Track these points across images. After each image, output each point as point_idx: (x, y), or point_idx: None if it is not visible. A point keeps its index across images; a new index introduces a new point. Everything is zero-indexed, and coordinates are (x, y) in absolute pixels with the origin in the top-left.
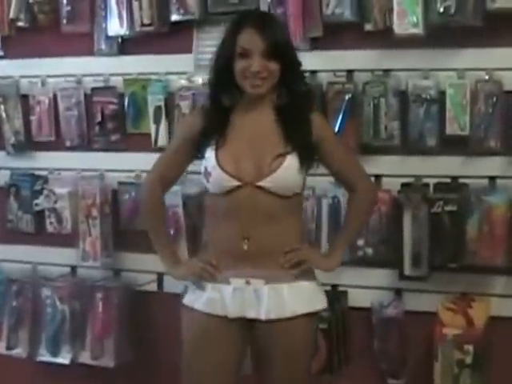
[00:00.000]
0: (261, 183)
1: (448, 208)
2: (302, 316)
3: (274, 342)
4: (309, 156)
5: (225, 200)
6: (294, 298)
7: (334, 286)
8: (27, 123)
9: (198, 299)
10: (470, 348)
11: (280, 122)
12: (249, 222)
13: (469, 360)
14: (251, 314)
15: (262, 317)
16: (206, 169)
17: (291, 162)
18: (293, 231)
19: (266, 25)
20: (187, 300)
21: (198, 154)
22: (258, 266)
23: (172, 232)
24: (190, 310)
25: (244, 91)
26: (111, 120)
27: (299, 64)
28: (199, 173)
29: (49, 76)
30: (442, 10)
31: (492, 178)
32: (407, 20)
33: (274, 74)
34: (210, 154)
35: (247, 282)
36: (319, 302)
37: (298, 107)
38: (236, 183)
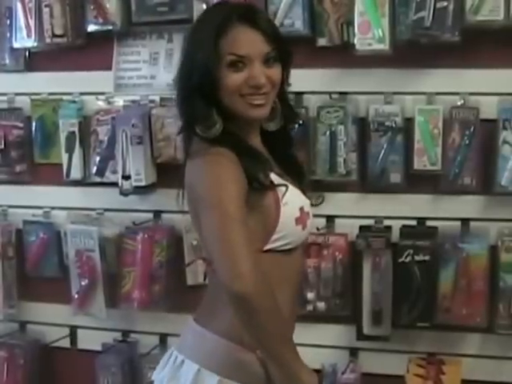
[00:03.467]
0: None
1: (419, 258)
2: None
3: None
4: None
5: (292, 258)
6: None
7: None
8: None
9: None
10: None
11: (274, 154)
12: (297, 286)
13: None
14: None
15: None
16: (302, 210)
17: None
18: None
19: (260, 16)
20: None
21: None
22: None
23: (86, 281)
24: None
25: (234, 115)
26: (16, 148)
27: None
28: (119, 210)
29: None
30: (413, 22)
31: (465, 221)
32: (371, 34)
33: (277, 85)
34: (292, 190)
35: None
36: None
37: (289, 135)
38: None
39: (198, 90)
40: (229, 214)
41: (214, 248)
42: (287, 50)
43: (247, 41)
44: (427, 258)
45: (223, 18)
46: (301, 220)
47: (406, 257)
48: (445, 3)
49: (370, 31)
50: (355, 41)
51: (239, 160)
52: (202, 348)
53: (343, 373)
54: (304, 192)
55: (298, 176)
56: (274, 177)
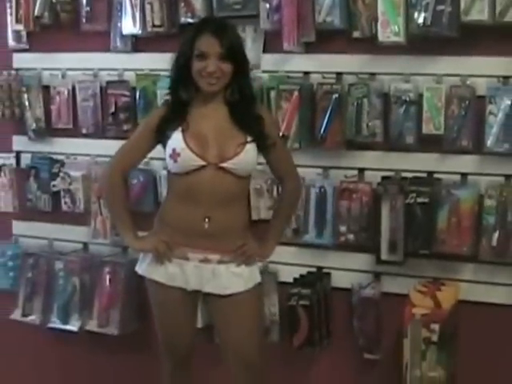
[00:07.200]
0: (225, 164)
1: (420, 200)
2: (250, 289)
3: (229, 312)
4: (264, 145)
5: (187, 180)
6: (245, 275)
7: (319, 268)
8: (47, 111)
9: (158, 271)
10: (436, 327)
11: (234, 116)
12: (210, 202)
13: (435, 338)
14: (208, 289)
15: (221, 292)
16: (174, 150)
17: (251, 148)
18: (244, 213)
19: (223, 31)
20: (145, 270)
21: (161, 139)
22: (214, 244)
23: None
24: (151, 280)
25: (199, 88)
26: (123, 111)
27: (248, 67)
28: None
29: (68, 69)
30: (420, 21)
31: (464, 175)
32: (390, 29)
33: (227, 74)
34: (177, 136)
35: (205, 259)
36: (258, 278)
37: (248, 104)
38: (202, 163)
39: (182, 67)
40: (129, 140)
41: None
42: (239, 53)
43: (209, 43)
44: (427, 200)
45: (201, 28)
46: (172, 156)
47: (411, 199)
48: (442, 7)
49: (389, 27)
50: (378, 34)
51: (166, 115)
52: None
53: (364, 288)
54: (264, 145)
55: (258, 134)
56: (178, 131)
